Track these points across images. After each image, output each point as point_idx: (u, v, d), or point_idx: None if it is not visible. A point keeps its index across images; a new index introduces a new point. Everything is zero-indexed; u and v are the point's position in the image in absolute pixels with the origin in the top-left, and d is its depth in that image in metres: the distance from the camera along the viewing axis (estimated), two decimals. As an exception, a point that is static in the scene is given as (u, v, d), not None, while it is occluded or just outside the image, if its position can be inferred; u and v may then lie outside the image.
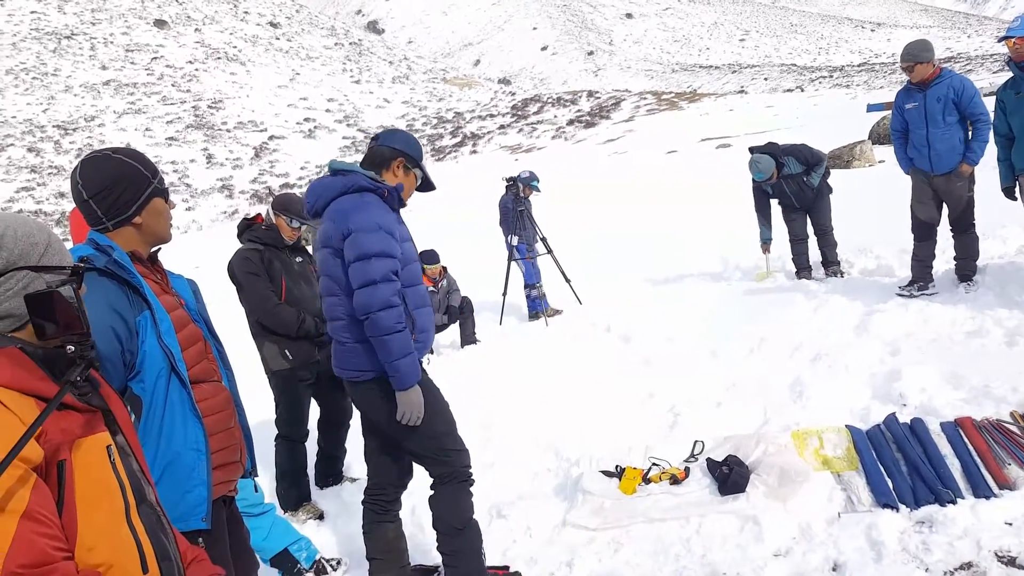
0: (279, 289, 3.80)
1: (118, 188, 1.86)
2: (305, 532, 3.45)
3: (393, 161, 2.76)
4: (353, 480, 4.17)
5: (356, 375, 2.69)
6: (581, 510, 3.35)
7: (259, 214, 3.98)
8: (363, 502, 2.94)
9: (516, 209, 8.15)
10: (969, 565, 2.48)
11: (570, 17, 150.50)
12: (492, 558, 3.17)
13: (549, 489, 3.69)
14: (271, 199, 4.49)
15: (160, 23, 65.59)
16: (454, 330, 7.40)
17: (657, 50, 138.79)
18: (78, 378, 1.30)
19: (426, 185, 2.89)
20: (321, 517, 3.81)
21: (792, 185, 6.59)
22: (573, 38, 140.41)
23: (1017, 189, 4.98)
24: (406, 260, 2.66)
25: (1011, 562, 2.45)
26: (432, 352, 7.03)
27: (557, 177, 21.73)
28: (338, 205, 2.61)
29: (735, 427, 3.82)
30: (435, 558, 3.05)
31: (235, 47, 66.62)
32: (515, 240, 8.01)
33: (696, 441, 3.73)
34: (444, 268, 7.21)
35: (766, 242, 6.94)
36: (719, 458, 3.43)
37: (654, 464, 3.62)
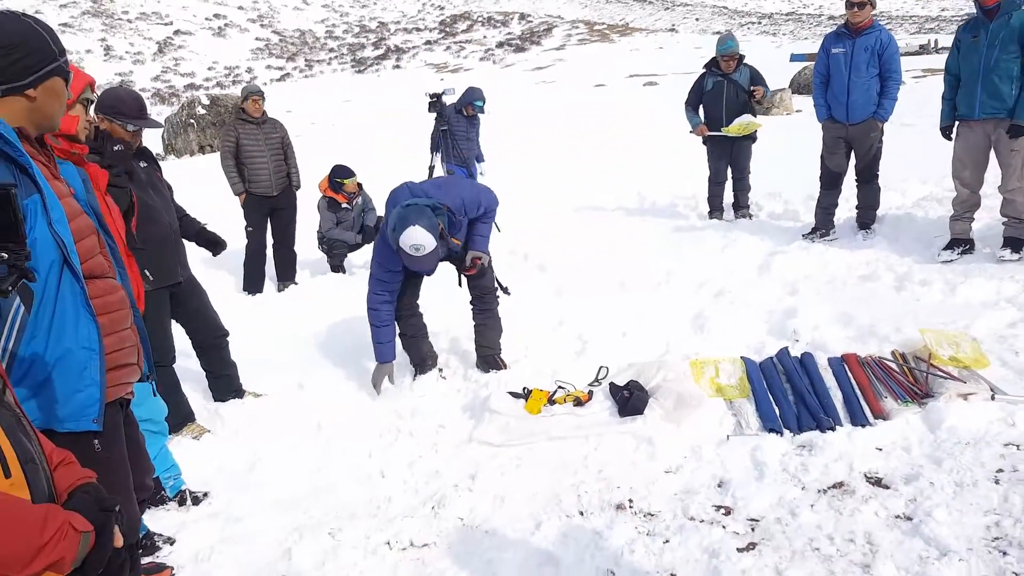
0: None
1: (20, 50, 1.65)
2: (183, 454, 3.30)
3: None
4: (257, 396, 3.98)
5: None
6: (487, 427, 3.40)
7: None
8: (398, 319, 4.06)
9: (440, 129, 7.90)
10: (841, 484, 2.69)
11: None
12: (397, 471, 3.21)
13: (457, 409, 3.72)
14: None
15: None
16: (368, 250, 7.18)
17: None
18: (9, 287, 1.24)
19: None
20: (198, 438, 3.57)
21: (731, 91, 6.72)
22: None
23: (953, 131, 4.98)
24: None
25: (877, 482, 2.68)
26: (344, 271, 6.85)
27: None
28: None
29: (639, 355, 3.95)
30: None
31: (139, -75, 60.15)
32: (437, 161, 7.79)
33: (601, 367, 3.83)
34: (360, 185, 6.92)
35: (696, 125, 6.92)
36: (621, 383, 3.54)
37: (560, 387, 3.70)
